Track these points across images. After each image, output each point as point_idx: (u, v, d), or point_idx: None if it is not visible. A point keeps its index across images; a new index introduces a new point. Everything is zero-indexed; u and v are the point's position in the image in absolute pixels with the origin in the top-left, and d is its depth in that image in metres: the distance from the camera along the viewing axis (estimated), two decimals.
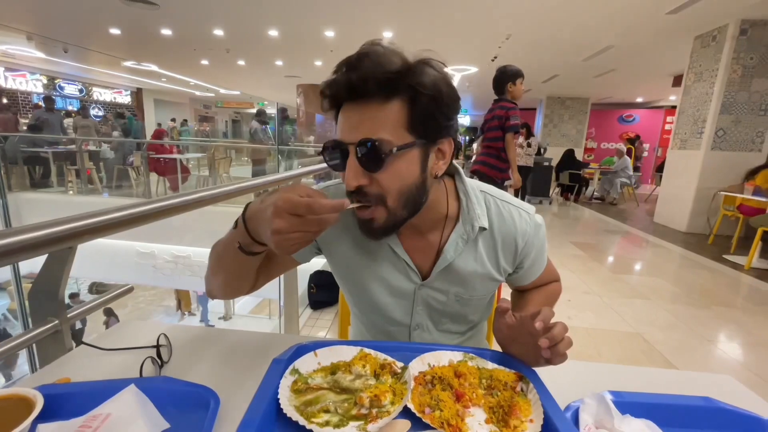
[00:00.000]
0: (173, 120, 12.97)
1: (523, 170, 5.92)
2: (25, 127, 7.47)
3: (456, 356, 0.65)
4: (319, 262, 3.07)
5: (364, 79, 0.56)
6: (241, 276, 0.69)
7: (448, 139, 0.64)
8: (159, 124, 10.58)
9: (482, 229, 0.72)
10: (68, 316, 0.68)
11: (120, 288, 0.82)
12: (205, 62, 9.43)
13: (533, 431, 0.50)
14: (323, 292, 2.55)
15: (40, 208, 5.42)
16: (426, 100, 0.58)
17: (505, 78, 2.83)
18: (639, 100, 12.07)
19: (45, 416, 0.49)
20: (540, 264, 0.81)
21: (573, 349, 0.58)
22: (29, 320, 0.65)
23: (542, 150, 8.59)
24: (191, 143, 9.61)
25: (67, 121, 9.06)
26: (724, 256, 4.25)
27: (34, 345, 0.67)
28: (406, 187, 0.62)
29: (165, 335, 0.68)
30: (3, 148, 6.51)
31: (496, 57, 7.16)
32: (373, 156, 0.58)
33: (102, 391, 0.54)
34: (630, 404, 0.55)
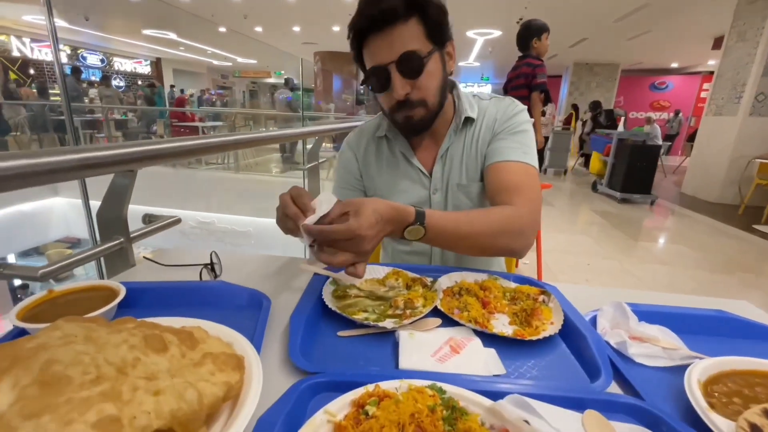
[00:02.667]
0: (182, 90, 12.97)
1: None
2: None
3: (481, 276, 0.70)
4: None
5: (390, 7, 0.68)
6: None
7: (451, 42, 0.78)
8: (172, 87, 10.68)
9: (469, 119, 0.84)
10: (131, 236, 0.76)
11: (169, 219, 0.89)
12: (222, 29, 9.34)
13: (553, 331, 0.55)
14: None
15: None
16: (434, 12, 0.71)
17: (530, 33, 2.73)
18: (674, 65, 11.37)
19: (125, 305, 0.58)
20: (510, 146, 0.79)
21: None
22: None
23: (614, 117, 6.76)
24: (214, 112, 9.67)
25: (92, 92, 9.26)
26: (754, 226, 4.12)
27: (102, 259, 0.76)
28: (438, 85, 0.76)
29: (215, 253, 0.75)
30: (33, 116, 6.75)
31: (521, 19, 6.83)
32: (414, 65, 0.71)
33: (170, 289, 0.62)
34: (645, 313, 0.59)
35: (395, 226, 0.60)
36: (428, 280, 0.67)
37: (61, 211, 5.53)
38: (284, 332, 0.55)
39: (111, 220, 0.74)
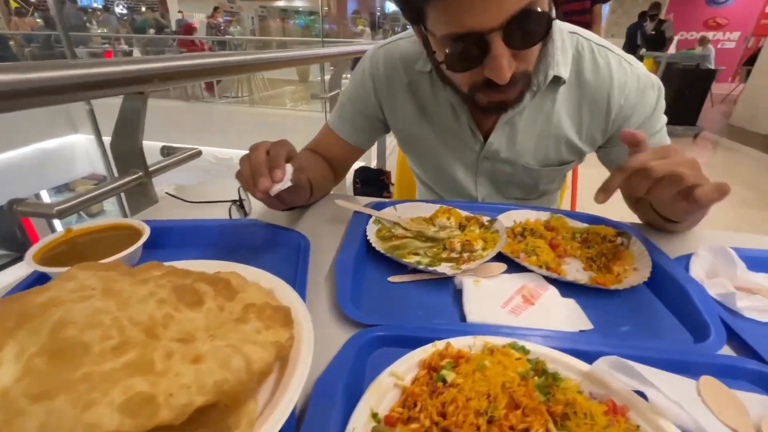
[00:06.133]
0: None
1: None
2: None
3: (543, 215, 0.61)
4: (361, 161, 3.06)
5: None
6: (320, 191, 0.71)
7: None
8: (180, 13, 10.07)
9: (559, 80, 0.59)
10: (150, 170, 0.69)
11: (189, 151, 0.81)
12: None
13: (640, 277, 0.47)
14: (367, 186, 2.57)
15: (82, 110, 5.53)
16: None
17: None
18: None
19: (150, 246, 0.52)
20: (656, 142, 0.62)
21: None
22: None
23: (664, 36, 5.43)
24: (242, 41, 9.05)
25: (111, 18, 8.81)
26: None
27: (123, 196, 0.70)
28: (539, 50, 0.52)
29: (242, 189, 0.68)
30: (38, 48, 6.52)
31: None
32: (533, 30, 0.46)
33: (197, 228, 0.56)
34: (748, 258, 0.50)
35: None
36: (485, 219, 0.59)
37: (83, 149, 5.56)
38: (326, 278, 0.49)
39: (126, 153, 0.67)
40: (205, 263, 0.44)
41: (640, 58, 5.45)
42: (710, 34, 10.22)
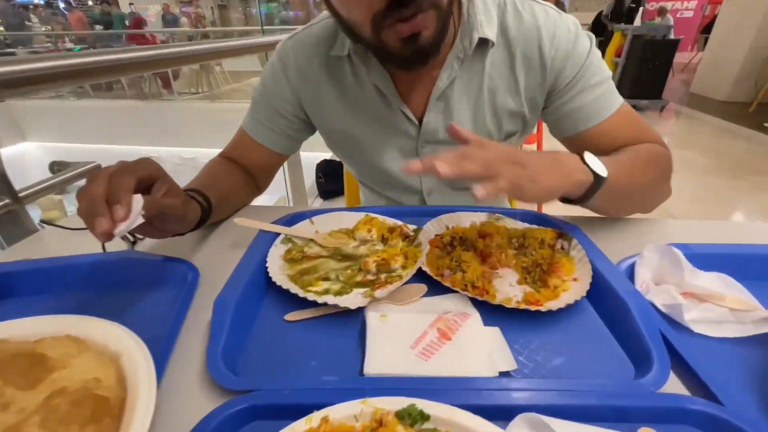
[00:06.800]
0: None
1: None
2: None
3: (479, 217, 0.54)
4: (326, 153, 2.94)
5: None
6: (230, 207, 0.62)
7: None
8: (131, 5, 9.47)
9: (486, 42, 0.53)
10: (20, 195, 0.58)
11: (85, 165, 0.70)
12: None
13: (578, 291, 0.40)
14: (332, 181, 2.47)
15: (33, 114, 5.14)
16: None
17: None
18: None
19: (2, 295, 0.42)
20: (597, 96, 0.55)
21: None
22: None
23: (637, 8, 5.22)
24: (178, 33, 8.59)
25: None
26: (766, 124, 3.88)
27: None
28: None
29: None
30: None
31: None
32: None
33: (60, 269, 0.46)
34: (697, 256, 0.44)
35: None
36: (410, 228, 0.51)
37: (32, 157, 5.18)
38: (210, 322, 0.40)
39: None
40: (40, 321, 0.35)
41: (611, 31, 5.43)
42: (668, 4, 10.37)
